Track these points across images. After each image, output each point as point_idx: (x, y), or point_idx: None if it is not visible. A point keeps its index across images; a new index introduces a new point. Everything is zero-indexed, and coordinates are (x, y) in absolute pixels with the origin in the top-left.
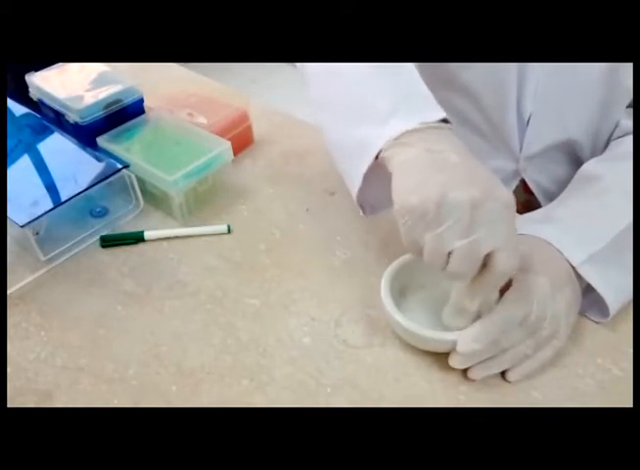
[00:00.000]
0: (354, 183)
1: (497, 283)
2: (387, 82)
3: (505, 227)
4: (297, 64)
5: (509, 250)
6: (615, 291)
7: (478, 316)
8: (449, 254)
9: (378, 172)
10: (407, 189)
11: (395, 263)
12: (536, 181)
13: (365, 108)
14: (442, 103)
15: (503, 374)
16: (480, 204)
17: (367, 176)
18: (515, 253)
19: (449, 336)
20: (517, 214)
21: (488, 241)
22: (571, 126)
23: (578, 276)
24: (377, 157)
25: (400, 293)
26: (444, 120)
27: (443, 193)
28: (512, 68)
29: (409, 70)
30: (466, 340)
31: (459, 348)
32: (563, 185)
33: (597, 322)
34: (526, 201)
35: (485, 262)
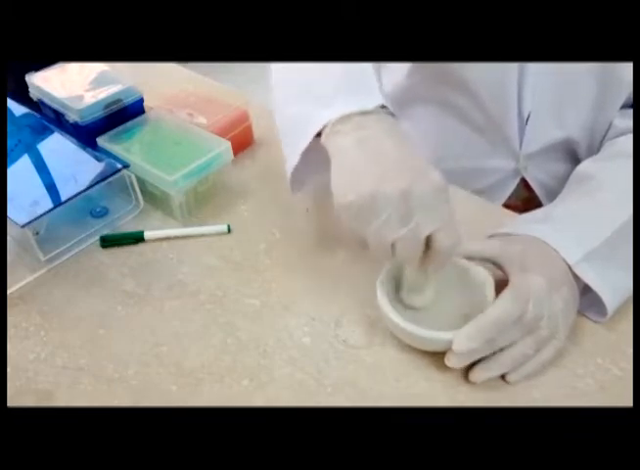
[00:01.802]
0: (291, 161)
1: (442, 261)
2: (335, 68)
3: (439, 209)
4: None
5: (447, 229)
6: (612, 289)
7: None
8: (392, 244)
9: (313, 153)
10: (343, 186)
11: (391, 264)
12: (537, 179)
13: (310, 91)
14: (442, 101)
15: (503, 375)
16: (410, 191)
17: (305, 155)
18: (453, 230)
19: (445, 335)
20: (515, 214)
21: (426, 225)
22: (569, 124)
23: (576, 276)
24: (319, 135)
25: (397, 292)
26: (384, 107)
27: (375, 188)
28: (512, 65)
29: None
30: (461, 339)
31: (454, 346)
32: (563, 182)
33: (596, 322)
34: (527, 198)
35: (428, 243)
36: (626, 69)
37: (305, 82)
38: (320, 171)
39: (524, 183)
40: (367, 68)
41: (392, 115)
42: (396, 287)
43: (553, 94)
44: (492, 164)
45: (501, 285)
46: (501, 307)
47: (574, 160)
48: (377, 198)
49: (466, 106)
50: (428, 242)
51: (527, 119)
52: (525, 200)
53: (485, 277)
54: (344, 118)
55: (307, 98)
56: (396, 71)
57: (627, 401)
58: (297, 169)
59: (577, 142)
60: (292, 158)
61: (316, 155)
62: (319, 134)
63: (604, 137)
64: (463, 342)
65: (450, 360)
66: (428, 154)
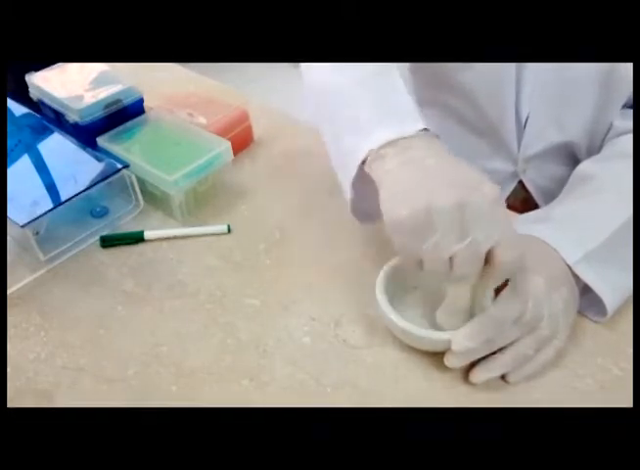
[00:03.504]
0: (346, 192)
1: (502, 276)
2: (370, 95)
3: (498, 221)
4: (302, 68)
5: (508, 242)
6: (612, 289)
7: (471, 316)
8: (450, 259)
9: (367, 182)
10: (393, 204)
11: (391, 263)
12: (535, 182)
13: (350, 120)
14: (440, 104)
15: (503, 375)
16: (466, 204)
17: (358, 186)
18: (514, 244)
19: (444, 335)
20: (514, 214)
21: (485, 240)
22: (569, 127)
23: (575, 276)
24: (364, 165)
25: (396, 292)
26: (425, 129)
27: (429, 202)
28: (510, 68)
29: (394, 80)
30: (460, 338)
31: (453, 346)
32: (562, 185)
33: (596, 322)
34: (525, 198)
35: (487, 259)
36: (628, 67)
37: (339, 114)
38: (372, 200)
39: (522, 184)
40: (402, 90)
41: (437, 136)
42: (395, 287)
43: (552, 98)
44: (490, 166)
45: (501, 285)
46: (500, 307)
47: (574, 162)
48: (431, 213)
49: (463, 108)
50: (487, 257)
51: (526, 123)
52: (523, 200)
53: None
54: (389, 144)
55: (351, 127)
56: None
57: (627, 401)
58: (357, 201)
59: (577, 145)
60: (345, 190)
61: (366, 185)
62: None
63: (604, 139)
64: (462, 341)
65: (449, 360)
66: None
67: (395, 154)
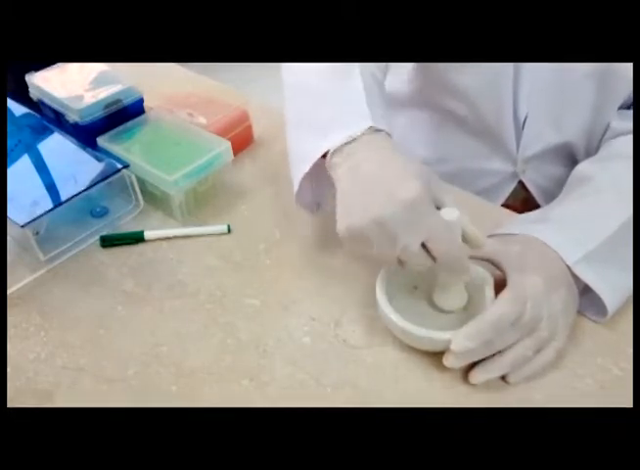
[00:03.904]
0: (294, 186)
1: (448, 265)
2: (333, 93)
3: (417, 221)
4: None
5: (435, 236)
6: (612, 289)
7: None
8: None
9: (319, 176)
10: (340, 216)
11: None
12: (535, 182)
13: (310, 119)
14: (438, 105)
15: (503, 375)
16: (383, 217)
17: (313, 178)
18: (441, 237)
19: (444, 335)
20: (514, 214)
21: (412, 241)
22: (567, 127)
23: (575, 276)
24: (324, 156)
25: (396, 292)
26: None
27: (360, 220)
28: (507, 69)
29: (355, 83)
30: (459, 339)
31: (452, 346)
32: (562, 185)
33: (596, 322)
34: (525, 199)
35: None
36: (626, 67)
37: (308, 109)
38: (323, 192)
39: (522, 185)
40: (359, 92)
41: (383, 131)
42: (395, 287)
43: (549, 98)
44: (490, 166)
45: (501, 285)
46: (500, 309)
47: (573, 163)
48: (362, 230)
49: (461, 110)
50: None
51: (524, 124)
52: (523, 200)
53: (485, 277)
54: (338, 150)
55: (308, 126)
56: (395, 79)
57: (627, 401)
58: (304, 193)
59: (576, 145)
60: (295, 184)
61: (322, 177)
62: (324, 156)
63: (601, 139)
64: (461, 342)
65: (448, 360)
66: (426, 154)
67: (343, 161)
